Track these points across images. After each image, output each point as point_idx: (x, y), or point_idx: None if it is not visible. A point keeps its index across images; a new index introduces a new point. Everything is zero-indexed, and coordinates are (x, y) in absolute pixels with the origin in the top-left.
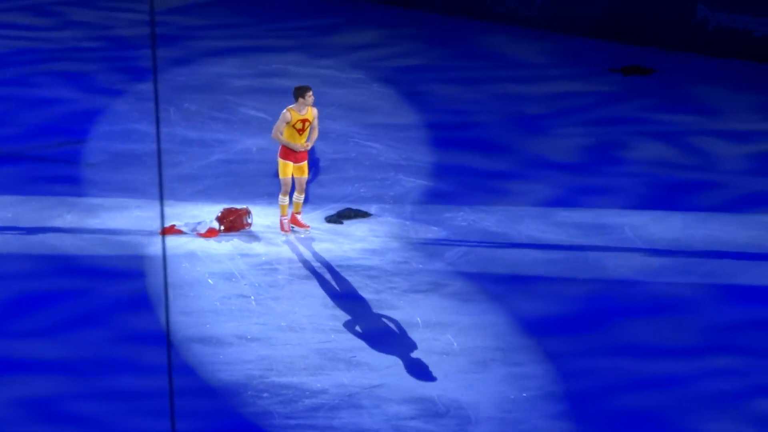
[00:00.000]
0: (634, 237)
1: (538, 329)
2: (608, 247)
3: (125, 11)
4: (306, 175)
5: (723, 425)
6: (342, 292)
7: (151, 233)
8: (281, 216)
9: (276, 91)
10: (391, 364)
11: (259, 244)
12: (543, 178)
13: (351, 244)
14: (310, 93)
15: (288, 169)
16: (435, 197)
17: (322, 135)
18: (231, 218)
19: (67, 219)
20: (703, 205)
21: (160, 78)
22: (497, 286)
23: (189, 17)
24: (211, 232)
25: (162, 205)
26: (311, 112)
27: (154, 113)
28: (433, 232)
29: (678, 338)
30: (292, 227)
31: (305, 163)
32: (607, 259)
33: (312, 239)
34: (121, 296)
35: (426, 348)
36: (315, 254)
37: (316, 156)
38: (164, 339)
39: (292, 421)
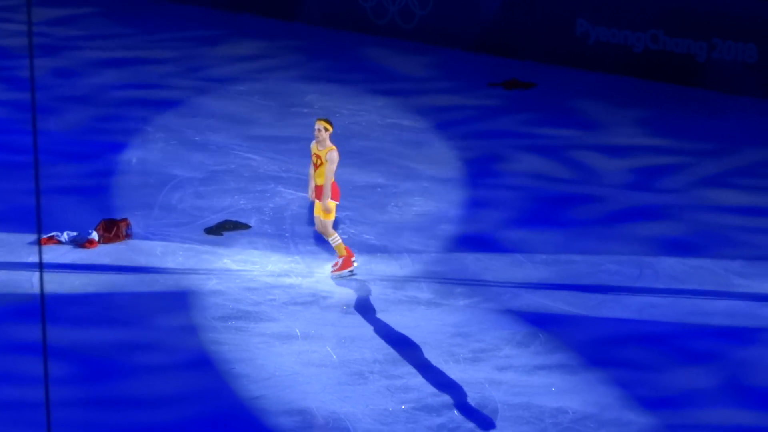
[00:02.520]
0: (514, 250)
1: (417, 342)
2: (489, 261)
3: (2, 21)
4: (321, 216)
5: None
6: (221, 304)
7: (29, 244)
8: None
9: (156, 103)
10: (270, 376)
11: (138, 255)
12: (423, 192)
13: (230, 255)
14: (316, 126)
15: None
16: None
17: (203, 147)
18: (111, 229)
19: None
20: (583, 218)
21: (39, 88)
22: (376, 299)
23: (69, 28)
24: (90, 243)
25: (38, 215)
26: (323, 150)
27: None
28: (312, 245)
29: (554, 353)
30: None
31: (317, 203)
32: (486, 273)
33: (191, 250)
34: (3, 306)
35: (305, 360)
36: (194, 266)
37: (195, 168)
38: (40, 349)
39: None
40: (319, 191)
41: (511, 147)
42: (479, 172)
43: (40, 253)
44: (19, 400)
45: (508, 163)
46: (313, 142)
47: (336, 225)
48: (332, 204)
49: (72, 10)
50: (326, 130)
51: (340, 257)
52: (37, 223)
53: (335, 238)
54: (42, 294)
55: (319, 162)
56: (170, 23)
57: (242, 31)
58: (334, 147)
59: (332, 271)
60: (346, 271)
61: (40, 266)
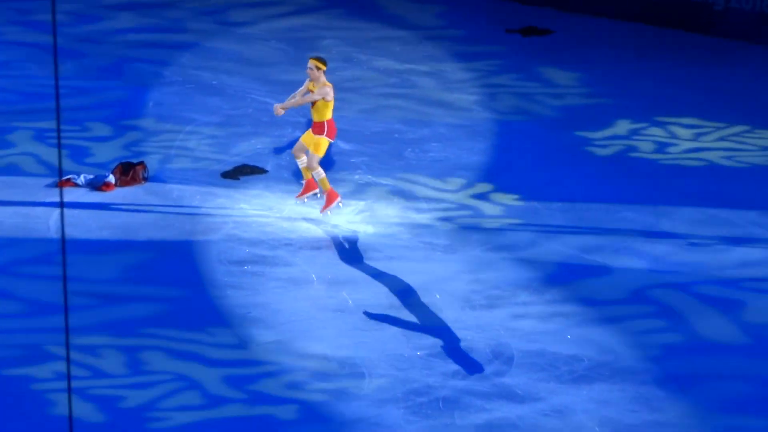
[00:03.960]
0: (532, 197)
1: (433, 288)
2: (505, 208)
3: None
4: (310, 147)
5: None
6: (237, 248)
7: (46, 186)
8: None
9: (172, 47)
10: (286, 321)
11: (154, 198)
12: (440, 137)
13: (247, 200)
14: (309, 65)
15: None
16: (334, 155)
17: (219, 91)
18: (127, 172)
19: None
20: (601, 166)
21: (58, 30)
22: (393, 244)
23: None
24: (107, 186)
25: (60, 157)
26: (317, 86)
27: (54, 66)
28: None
29: (570, 301)
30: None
31: (310, 134)
32: (503, 219)
33: (208, 194)
34: (20, 248)
35: (321, 305)
36: (211, 209)
37: (212, 112)
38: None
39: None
40: (314, 126)
41: (529, 94)
42: (496, 118)
43: (61, 196)
44: (36, 342)
45: (526, 110)
46: (308, 80)
47: (353, 169)
48: (324, 140)
49: None
50: (318, 68)
51: (323, 192)
52: (58, 167)
53: (319, 173)
54: (63, 237)
55: (314, 101)
56: None
57: None
58: (329, 84)
59: (321, 210)
60: (333, 204)
61: (61, 209)
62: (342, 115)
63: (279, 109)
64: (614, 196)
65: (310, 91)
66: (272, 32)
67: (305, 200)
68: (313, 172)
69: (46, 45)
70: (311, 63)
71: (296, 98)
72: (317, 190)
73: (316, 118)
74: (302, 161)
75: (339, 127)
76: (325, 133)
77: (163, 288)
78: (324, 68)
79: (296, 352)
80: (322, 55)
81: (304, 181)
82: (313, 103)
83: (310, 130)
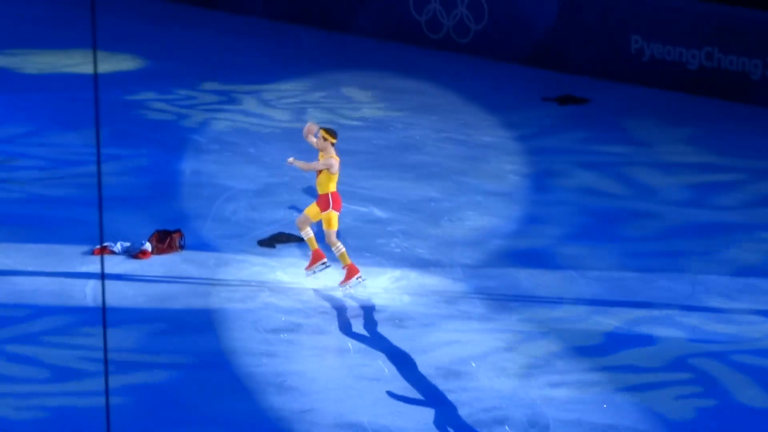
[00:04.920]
0: (567, 266)
1: (469, 356)
2: (541, 276)
3: (60, 29)
4: (323, 225)
5: None
6: (273, 316)
7: (83, 254)
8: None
9: (211, 114)
10: (322, 389)
11: (191, 266)
12: (476, 206)
13: (283, 268)
14: (318, 136)
15: None
16: (368, 223)
17: (256, 159)
18: (164, 240)
19: (0, 237)
20: (636, 234)
21: (90, 96)
22: (429, 313)
23: (126, 37)
24: (143, 254)
25: (101, 225)
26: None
27: (95, 132)
28: (365, 258)
29: (607, 370)
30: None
31: (319, 212)
32: (539, 288)
33: (244, 262)
34: (58, 316)
35: (357, 373)
36: (247, 277)
37: (249, 180)
38: (102, 359)
39: None
40: (320, 201)
41: (565, 162)
42: (533, 186)
43: (102, 264)
44: (77, 408)
45: (562, 179)
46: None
47: (389, 237)
48: (334, 214)
49: (127, 20)
50: (325, 139)
51: (344, 267)
52: (100, 233)
53: (338, 247)
54: (104, 303)
55: (318, 171)
56: (226, 34)
57: (295, 42)
58: (336, 157)
59: (339, 284)
60: (353, 279)
61: (102, 275)
62: (378, 183)
63: (291, 160)
64: (649, 265)
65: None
66: (310, 100)
67: (315, 271)
68: (333, 248)
69: (80, 112)
70: (321, 133)
71: (307, 163)
72: (325, 260)
73: (320, 190)
74: (306, 233)
75: (375, 195)
76: (331, 206)
77: (199, 356)
78: (333, 141)
79: (332, 421)
80: (333, 127)
81: (311, 253)
82: (318, 175)
83: (315, 203)
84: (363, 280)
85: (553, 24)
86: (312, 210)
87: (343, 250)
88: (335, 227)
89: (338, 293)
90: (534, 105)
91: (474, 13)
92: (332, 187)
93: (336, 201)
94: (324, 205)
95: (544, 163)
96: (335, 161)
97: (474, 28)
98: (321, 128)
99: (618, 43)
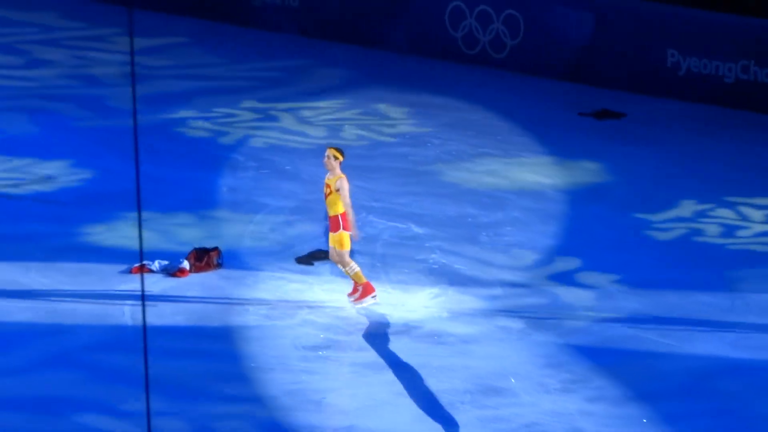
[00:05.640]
0: (605, 281)
1: (508, 372)
2: (579, 291)
3: (92, 49)
4: (335, 246)
5: None
6: (311, 334)
7: (121, 273)
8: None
9: (247, 132)
10: (361, 406)
11: (229, 284)
12: (514, 221)
13: (321, 285)
14: (326, 153)
15: None
16: (406, 239)
17: (294, 176)
18: (202, 258)
19: (38, 256)
20: (675, 249)
21: (129, 116)
22: (468, 329)
23: (159, 57)
24: (181, 272)
25: (141, 243)
26: (332, 179)
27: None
28: (403, 274)
29: (645, 384)
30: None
31: (330, 235)
32: (577, 303)
33: (282, 279)
34: (96, 335)
35: (396, 390)
36: (285, 295)
37: (286, 197)
38: (141, 379)
39: None
40: (330, 222)
41: (602, 176)
42: (570, 201)
43: (142, 282)
44: (114, 429)
45: (599, 193)
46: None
47: (428, 253)
48: (345, 234)
49: (163, 39)
50: (335, 158)
51: (359, 285)
52: (140, 250)
53: (352, 267)
54: (144, 322)
55: (328, 191)
56: (259, 51)
57: (331, 59)
58: (343, 175)
59: (355, 301)
60: (368, 298)
61: (142, 294)
62: (415, 200)
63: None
64: (687, 279)
65: (327, 185)
66: (346, 117)
67: (364, 304)
68: (347, 268)
69: (118, 131)
70: (329, 152)
71: (328, 207)
72: (375, 293)
73: (330, 211)
74: (351, 267)
75: (413, 211)
76: (341, 227)
77: (237, 373)
78: (341, 159)
79: None
80: (341, 145)
81: (355, 284)
82: (326, 196)
83: (330, 231)
84: (375, 298)
85: (588, 39)
86: (332, 240)
87: (358, 269)
88: (348, 248)
89: (377, 310)
90: (570, 120)
91: (510, 29)
92: (342, 208)
93: (345, 221)
94: (335, 226)
95: (581, 177)
96: (344, 180)
97: (510, 44)
98: (329, 147)
99: (654, 57)
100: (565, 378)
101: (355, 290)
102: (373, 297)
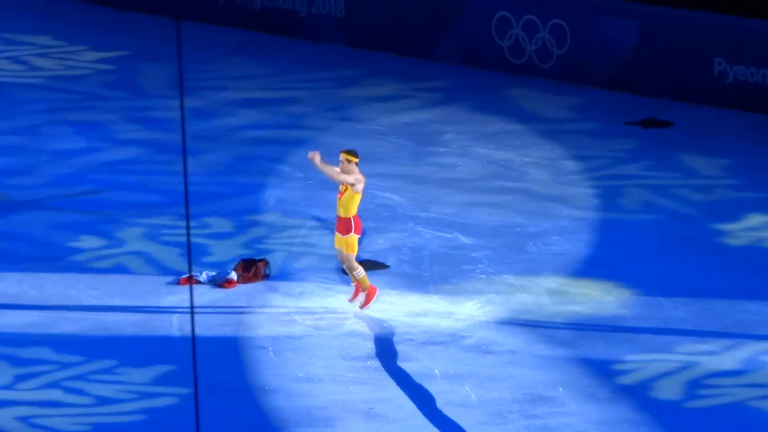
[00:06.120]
0: (653, 290)
1: (556, 381)
2: (627, 301)
3: (138, 60)
4: (343, 249)
5: None
6: (359, 344)
7: (168, 284)
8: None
9: (294, 143)
10: (409, 416)
11: (276, 295)
12: (562, 231)
13: None
14: (339, 158)
15: None
16: (453, 249)
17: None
18: (249, 269)
19: (87, 268)
20: (722, 257)
21: (177, 128)
22: (515, 338)
23: (206, 68)
24: (229, 283)
25: (189, 255)
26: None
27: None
28: (451, 284)
29: (695, 392)
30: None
31: (339, 237)
32: (624, 312)
33: (329, 290)
34: (144, 347)
35: (444, 400)
36: (333, 305)
37: (333, 208)
38: (190, 390)
39: None
40: (341, 224)
41: (649, 185)
42: (617, 210)
43: (190, 294)
44: None
45: (646, 202)
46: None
47: (474, 263)
48: (354, 237)
49: (211, 51)
50: (349, 161)
51: (363, 290)
52: (188, 261)
53: (359, 272)
54: (193, 333)
55: (343, 188)
56: (305, 62)
57: (378, 70)
58: (361, 175)
59: (361, 306)
60: (373, 302)
61: (191, 306)
62: (462, 209)
63: (317, 158)
64: (735, 288)
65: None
66: (393, 127)
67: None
68: (354, 272)
69: (163, 142)
70: (342, 156)
71: (333, 168)
72: (376, 297)
73: (341, 213)
74: (358, 272)
75: (459, 221)
76: (353, 230)
77: (286, 384)
78: (355, 160)
79: None
80: (353, 149)
81: (355, 286)
82: (340, 196)
83: (337, 232)
84: (378, 299)
85: (635, 47)
86: (339, 242)
87: (364, 273)
88: (356, 251)
89: (425, 320)
90: (617, 129)
91: (556, 38)
92: (354, 210)
93: (357, 225)
94: (346, 228)
95: (628, 186)
96: (363, 178)
97: (556, 53)
98: (342, 151)
99: (700, 66)
100: (614, 387)
101: (355, 296)
102: (377, 299)
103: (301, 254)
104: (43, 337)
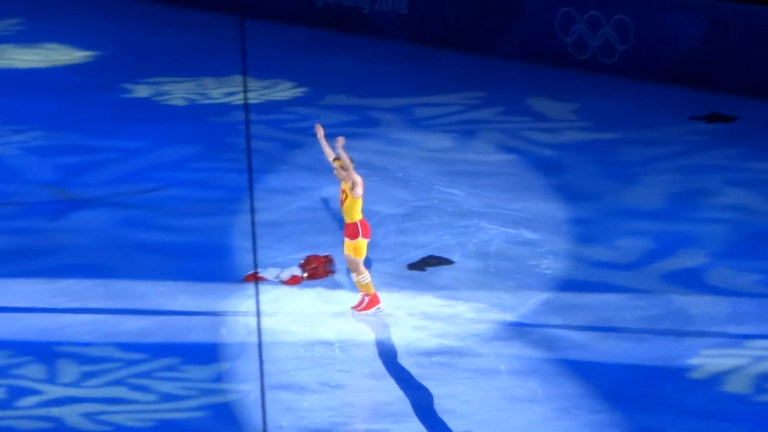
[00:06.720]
0: (720, 286)
1: (622, 377)
2: (694, 297)
3: (208, 58)
4: (351, 254)
5: None
6: (425, 340)
7: (236, 280)
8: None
9: (358, 139)
10: (476, 412)
11: (341, 291)
12: (628, 226)
13: (434, 291)
14: (334, 167)
15: None
16: (518, 245)
17: (405, 183)
18: (314, 265)
19: (148, 266)
20: None
21: (242, 125)
22: (581, 334)
23: (271, 66)
24: (294, 279)
25: (255, 251)
26: (347, 183)
27: (247, 159)
28: (516, 280)
29: (763, 393)
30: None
31: (347, 242)
32: (692, 308)
33: (394, 286)
34: (210, 343)
35: (510, 395)
36: (398, 301)
37: (398, 204)
38: (250, 387)
39: None
40: (347, 229)
41: (715, 181)
42: (683, 205)
43: (256, 290)
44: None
45: (712, 197)
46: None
47: (539, 258)
48: (363, 242)
49: (275, 48)
50: (343, 168)
51: (366, 295)
52: (253, 259)
53: (365, 276)
54: (259, 330)
55: (344, 196)
56: (370, 59)
57: (440, 66)
58: (359, 177)
59: (359, 310)
60: (372, 309)
61: (257, 302)
62: (526, 205)
63: (320, 131)
64: None
65: (342, 191)
66: (456, 123)
67: (369, 314)
68: (360, 276)
69: (227, 139)
70: (335, 164)
71: (344, 214)
72: (380, 305)
73: (347, 219)
74: (364, 277)
75: (524, 216)
76: (360, 235)
77: (352, 380)
78: (349, 165)
79: None
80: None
81: (362, 295)
82: (342, 203)
83: (346, 238)
84: (381, 311)
85: (699, 42)
86: (348, 247)
87: (369, 279)
88: (364, 255)
89: (490, 316)
90: (682, 124)
91: (620, 33)
92: (358, 215)
93: (365, 228)
94: (353, 233)
95: (693, 181)
96: (361, 180)
97: (620, 48)
98: (334, 159)
99: (766, 60)
100: (684, 380)
101: (360, 302)
102: (377, 309)
103: (366, 250)
104: (108, 335)
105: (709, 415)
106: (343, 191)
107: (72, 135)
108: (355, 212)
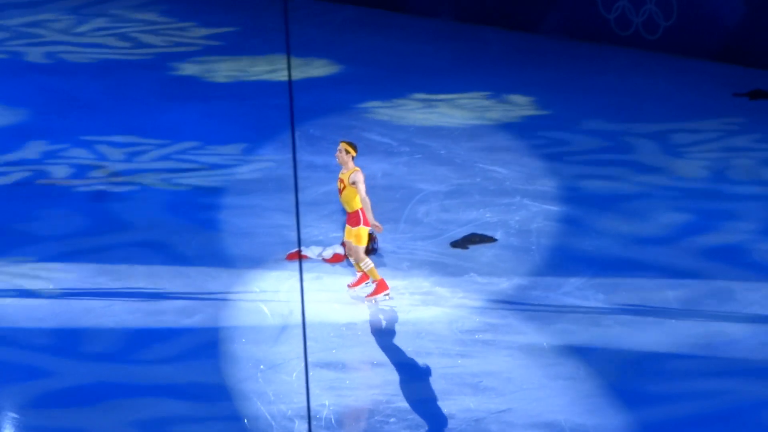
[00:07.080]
0: (763, 263)
1: (664, 352)
2: (737, 274)
3: (252, 38)
4: (352, 241)
5: None
6: (467, 318)
7: (277, 259)
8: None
9: (399, 117)
10: (518, 389)
11: (384, 269)
12: (671, 203)
13: (477, 269)
14: (338, 147)
15: None
16: (561, 222)
17: (448, 160)
18: None
19: (193, 245)
20: None
21: (286, 104)
22: (623, 310)
23: (314, 45)
24: (336, 258)
25: (299, 230)
26: (345, 173)
27: (291, 139)
28: (558, 258)
29: None
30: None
31: (349, 229)
32: (734, 285)
33: (437, 264)
34: (253, 322)
35: (552, 373)
36: (441, 279)
37: (440, 181)
38: (294, 365)
39: None
40: (349, 217)
41: (757, 157)
42: (725, 182)
43: (300, 269)
44: (280, 413)
45: (754, 173)
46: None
47: (581, 236)
48: (363, 229)
49: (319, 27)
50: (347, 152)
51: (373, 282)
52: (297, 237)
53: (367, 263)
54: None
55: (342, 186)
56: (413, 37)
57: (484, 44)
58: (357, 169)
59: (366, 296)
60: (381, 294)
61: (300, 281)
62: (568, 183)
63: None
64: None
65: (340, 180)
66: (497, 101)
67: (376, 301)
68: (361, 263)
69: (273, 119)
70: (341, 146)
71: (343, 202)
72: (369, 279)
73: (347, 208)
74: (366, 263)
75: (566, 194)
76: (361, 223)
77: (395, 357)
78: (354, 154)
79: (528, 421)
80: (354, 142)
81: (359, 274)
82: (340, 192)
83: (347, 225)
84: (391, 297)
85: (742, 18)
86: (349, 234)
87: (372, 265)
88: (365, 243)
89: (533, 293)
90: (725, 100)
91: (663, 10)
92: (359, 203)
93: (366, 216)
94: (355, 221)
95: (736, 158)
96: (359, 173)
97: (663, 25)
98: (342, 141)
99: None
100: (723, 360)
101: (358, 282)
102: (386, 295)
103: (408, 227)
104: (150, 315)
105: (740, 393)
106: (341, 180)
107: (115, 116)
108: (354, 202)
